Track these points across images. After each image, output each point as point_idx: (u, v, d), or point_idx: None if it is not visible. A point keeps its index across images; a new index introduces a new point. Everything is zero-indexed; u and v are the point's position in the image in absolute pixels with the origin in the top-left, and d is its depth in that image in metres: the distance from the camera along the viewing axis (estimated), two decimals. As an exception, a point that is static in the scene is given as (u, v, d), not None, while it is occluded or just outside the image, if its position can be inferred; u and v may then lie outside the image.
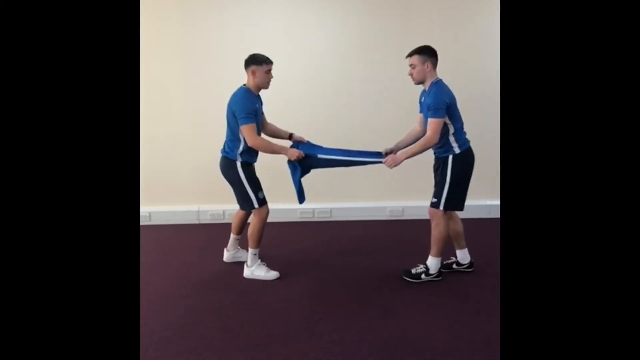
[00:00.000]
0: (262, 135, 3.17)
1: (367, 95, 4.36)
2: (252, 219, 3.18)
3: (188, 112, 4.37)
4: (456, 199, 2.97)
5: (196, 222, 4.54)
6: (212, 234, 4.13)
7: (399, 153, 3.00)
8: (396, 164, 2.93)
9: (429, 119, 2.81)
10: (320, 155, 3.08)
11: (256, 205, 3.09)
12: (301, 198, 3.16)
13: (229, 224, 3.50)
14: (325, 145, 3.20)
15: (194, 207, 4.55)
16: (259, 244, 3.17)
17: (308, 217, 4.54)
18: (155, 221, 4.46)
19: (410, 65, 2.89)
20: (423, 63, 2.84)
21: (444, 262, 3.26)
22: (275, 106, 3.88)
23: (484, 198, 4.58)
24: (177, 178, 4.48)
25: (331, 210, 4.55)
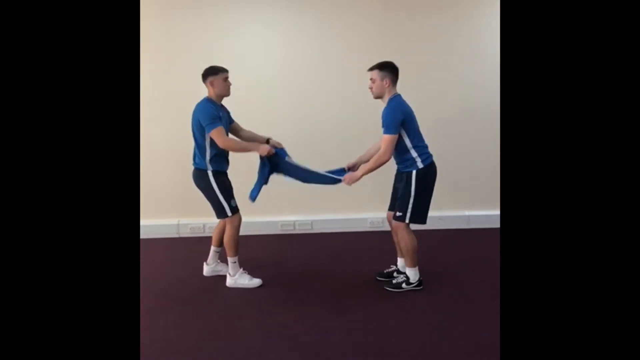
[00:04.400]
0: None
1: (350, 102, 4.40)
2: (226, 228, 3.21)
3: (168, 124, 4.35)
4: (420, 212, 3.01)
5: (176, 235, 4.50)
6: (192, 248, 4.09)
7: (358, 170, 3.07)
8: (354, 181, 3.02)
9: (383, 136, 2.89)
10: (287, 159, 3.15)
11: (229, 214, 3.12)
12: (254, 194, 3.17)
13: (210, 238, 3.48)
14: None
15: (173, 221, 4.51)
16: (236, 251, 3.20)
17: (289, 230, 4.53)
18: (134, 235, 4.39)
19: (371, 79, 2.95)
20: (382, 79, 2.90)
21: (385, 272, 3.33)
22: (258, 113, 3.91)
23: (463, 209, 4.64)
24: (156, 191, 4.44)
25: (312, 222, 4.55)
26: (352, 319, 2.74)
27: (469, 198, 4.63)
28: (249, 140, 3.26)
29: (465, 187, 4.60)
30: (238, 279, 3.22)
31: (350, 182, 3.03)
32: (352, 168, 3.18)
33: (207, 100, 3.09)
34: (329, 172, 3.17)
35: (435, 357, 2.33)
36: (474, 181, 4.57)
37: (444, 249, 4.00)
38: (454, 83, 4.44)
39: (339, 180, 3.09)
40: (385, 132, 2.87)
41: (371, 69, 2.94)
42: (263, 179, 3.17)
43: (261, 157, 3.14)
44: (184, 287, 3.25)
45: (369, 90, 2.98)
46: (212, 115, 2.97)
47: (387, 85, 2.90)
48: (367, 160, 3.08)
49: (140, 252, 3.93)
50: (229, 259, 3.21)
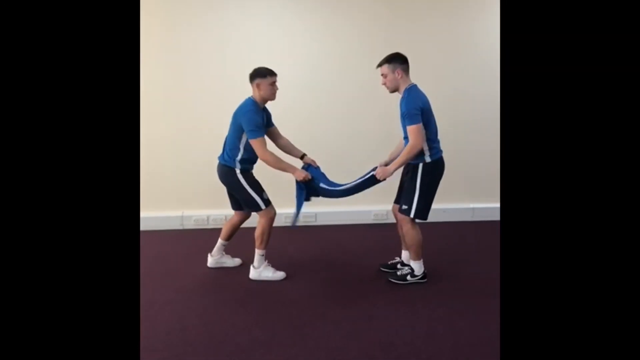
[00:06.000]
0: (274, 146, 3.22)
1: (355, 100, 4.38)
2: (259, 220, 3.19)
3: (171, 116, 4.34)
4: (425, 207, 2.97)
5: (180, 227, 4.51)
6: (196, 240, 4.10)
7: (389, 165, 2.95)
8: (386, 175, 2.93)
9: (408, 127, 2.81)
10: (322, 184, 3.07)
11: (262, 207, 3.11)
12: (295, 220, 3.19)
13: (214, 230, 3.48)
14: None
15: (177, 213, 4.51)
16: (266, 244, 3.21)
17: (293, 222, 4.53)
18: (138, 227, 4.40)
19: (382, 75, 2.90)
20: (393, 71, 2.84)
21: (389, 263, 3.33)
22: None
23: (467, 201, 4.63)
24: (160, 183, 4.44)
25: (316, 214, 4.55)
26: (357, 311, 2.74)
27: (473, 190, 4.62)
28: (285, 149, 3.28)
29: (469, 180, 4.59)
30: (262, 271, 3.22)
31: (383, 176, 2.93)
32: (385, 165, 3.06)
33: (252, 102, 3.02)
34: (361, 177, 3.07)
35: (439, 349, 2.33)
36: (479, 174, 4.56)
37: (448, 241, 3.99)
38: (458, 78, 4.41)
39: (374, 179, 2.98)
40: (409, 123, 2.79)
41: (380, 64, 2.89)
42: (301, 205, 3.13)
43: (297, 181, 3.08)
44: (187, 279, 3.25)
45: (383, 86, 2.93)
46: (256, 123, 2.94)
47: (399, 76, 2.85)
48: (397, 156, 2.98)
49: (144, 244, 3.96)
50: (257, 251, 3.20)
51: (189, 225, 4.50)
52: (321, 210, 4.55)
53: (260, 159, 2.99)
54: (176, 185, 4.46)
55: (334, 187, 3.09)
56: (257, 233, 3.17)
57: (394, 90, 2.92)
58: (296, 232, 4.33)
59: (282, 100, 4.30)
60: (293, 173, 3.03)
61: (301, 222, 4.53)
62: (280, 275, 3.22)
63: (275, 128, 3.27)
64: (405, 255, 3.28)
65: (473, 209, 4.61)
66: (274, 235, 4.19)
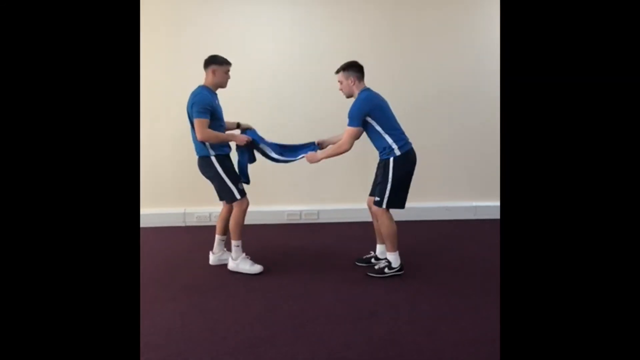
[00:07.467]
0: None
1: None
2: (233, 211, 3.22)
3: (173, 114, 4.34)
4: (398, 198, 3.07)
5: (182, 224, 4.51)
6: (198, 237, 4.10)
7: (319, 152, 3.15)
8: (314, 161, 3.13)
9: (346, 127, 2.98)
10: (261, 145, 3.23)
11: (237, 197, 3.15)
12: (246, 179, 3.30)
13: (216, 227, 3.48)
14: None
15: (179, 210, 4.52)
16: (240, 235, 3.23)
17: (295, 219, 4.53)
18: (141, 224, 4.41)
19: (338, 82, 3.05)
20: (347, 78, 3.01)
21: (363, 257, 3.43)
22: (266, 105, 3.89)
23: (470, 200, 4.62)
24: (162, 180, 4.45)
25: (318, 212, 4.55)
26: (358, 308, 2.74)
27: (475, 189, 4.61)
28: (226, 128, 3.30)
29: (472, 178, 4.58)
30: (240, 263, 3.25)
31: (311, 162, 3.13)
32: (321, 145, 3.28)
33: (203, 88, 3.09)
34: (301, 145, 3.27)
35: (441, 346, 2.33)
36: (481, 172, 4.55)
37: (450, 240, 3.99)
38: (461, 76, 4.39)
39: (303, 157, 3.19)
40: (349, 124, 2.96)
41: (337, 72, 3.04)
42: (244, 168, 3.27)
43: (238, 146, 3.20)
44: (190, 276, 3.26)
45: (340, 92, 3.08)
46: (205, 105, 2.98)
47: (352, 83, 3.01)
48: (334, 144, 3.16)
49: (146, 241, 3.96)
50: (233, 242, 3.24)
51: (191, 222, 4.51)
52: (323, 208, 4.56)
53: (199, 139, 3.00)
54: (179, 183, 4.47)
55: (271, 150, 3.23)
56: (231, 224, 3.21)
57: (349, 95, 3.07)
58: (298, 229, 4.33)
59: (283, 98, 4.31)
60: (234, 139, 3.11)
61: (304, 219, 4.54)
62: (257, 269, 3.24)
63: None
64: (379, 249, 3.35)
65: (475, 207, 4.61)
66: (276, 232, 4.21)
